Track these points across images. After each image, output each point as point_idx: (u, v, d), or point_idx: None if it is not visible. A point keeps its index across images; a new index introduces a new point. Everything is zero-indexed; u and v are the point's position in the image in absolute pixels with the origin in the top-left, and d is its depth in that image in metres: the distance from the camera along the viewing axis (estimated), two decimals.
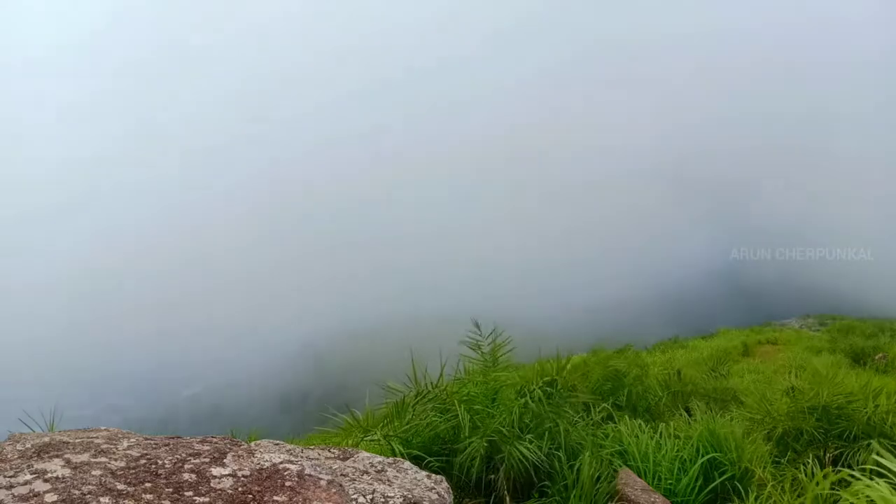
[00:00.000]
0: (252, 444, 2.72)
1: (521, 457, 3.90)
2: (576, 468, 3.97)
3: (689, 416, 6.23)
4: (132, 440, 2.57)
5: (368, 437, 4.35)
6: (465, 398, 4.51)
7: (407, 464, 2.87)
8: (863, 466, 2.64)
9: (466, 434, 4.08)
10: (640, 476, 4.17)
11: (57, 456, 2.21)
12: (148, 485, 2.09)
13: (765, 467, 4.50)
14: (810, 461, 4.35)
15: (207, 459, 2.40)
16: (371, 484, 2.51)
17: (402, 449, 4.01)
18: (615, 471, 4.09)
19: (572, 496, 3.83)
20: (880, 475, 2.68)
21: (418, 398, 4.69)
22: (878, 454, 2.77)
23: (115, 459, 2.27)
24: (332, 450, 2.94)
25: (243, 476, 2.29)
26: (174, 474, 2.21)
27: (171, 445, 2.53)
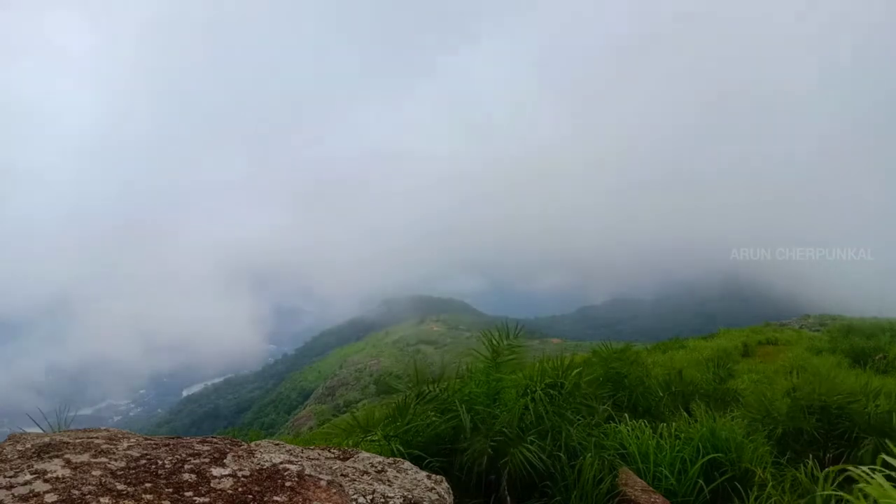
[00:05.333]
0: (252, 444, 2.72)
1: (522, 457, 3.89)
2: (577, 469, 3.96)
3: (690, 416, 6.22)
4: (132, 440, 2.57)
5: (369, 438, 4.35)
6: (466, 398, 4.50)
7: (407, 464, 2.86)
8: (872, 467, 2.63)
9: (467, 434, 4.07)
10: (640, 476, 4.16)
11: (57, 456, 2.20)
12: (148, 485, 2.09)
13: (765, 468, 4.49)
14: (810, 461, 4.34)
15: (207, 460, 2.39)
16: (371, 484, 2.51)
17: (402, 449, 4.00)
18: (615, 471, 4.09)
19: (573, 497, 3.82)
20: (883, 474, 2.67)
21: (419, 398, 4.68)
22: (886, 454, 2.76)
23: (115, 460, 2.27)
24: (332, 450, 2.93)
25: (243, 476, 2.28)
26: (174, 474, 2.21)
27: (171, 446, 2.52)
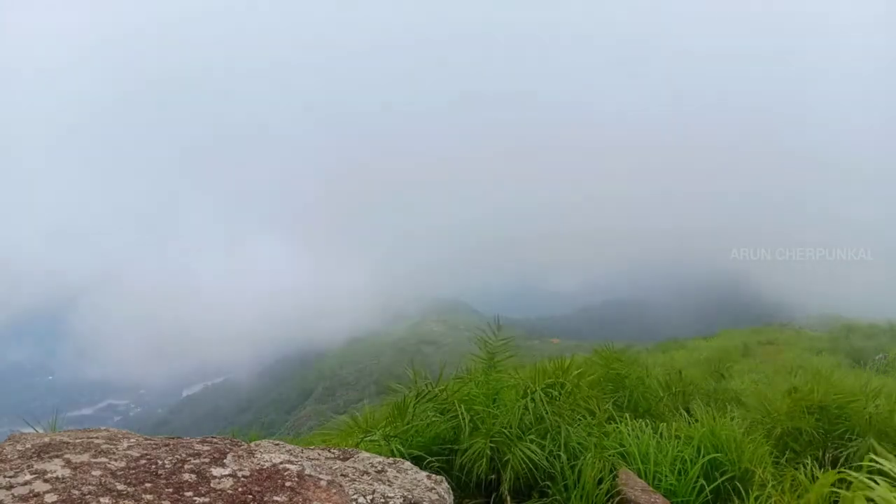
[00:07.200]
0: (252, 444, 2.72)
1: (522, 457, 3.89)
2: (577, 469, 3.96)
3: (690, 416, 6.22)
4: (132, 440, 2.57)
5: (369, 438, 4.35)
6: (465, 398, 4.50)
7: (407, 464, 2.86)
8: (859, 464, 2.63)
9: (467, 434, 4.07)
10: (640, 477, 4.16)
11: (57, 456, 2.21)
12: (148, 485, 2.09)
13: (765, 468, 4.49)
14: (809, 462, 4.34)
15: (207, 460, 2.39)
16: (371, 484, 2.51)
17: (402, 449, 4.00)
18: (616, 471, 4.09)
19: (573, 497, 3.82)
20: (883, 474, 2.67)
21: (419, 398, 4.68)
22: (875, 453, 2.76)
23: (115, 460, 2.27)
24: (332, 450, 2.94)
25: (243, 476, 2.29)
26: (174, 475, 2.21)
27: (171, 446, 2.52)
